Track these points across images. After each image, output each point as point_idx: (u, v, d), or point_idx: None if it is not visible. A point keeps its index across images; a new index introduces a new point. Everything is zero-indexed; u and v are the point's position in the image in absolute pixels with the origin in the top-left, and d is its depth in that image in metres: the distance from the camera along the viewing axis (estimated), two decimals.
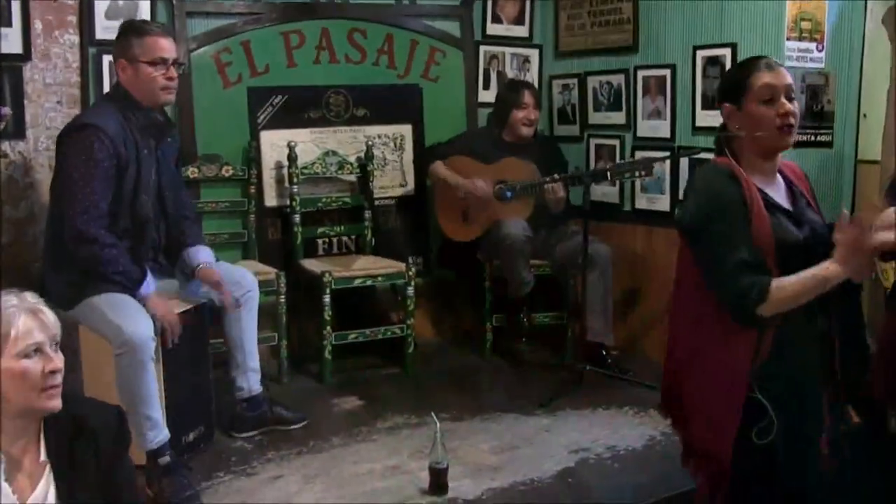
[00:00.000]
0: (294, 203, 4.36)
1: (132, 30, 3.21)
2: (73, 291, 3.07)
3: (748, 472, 2.19)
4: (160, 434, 3.04)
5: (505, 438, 3.48)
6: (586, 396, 3.87)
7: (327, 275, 4.06)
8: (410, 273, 4.23)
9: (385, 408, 3.81)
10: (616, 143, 4.59)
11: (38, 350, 1.82)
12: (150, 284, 3.14)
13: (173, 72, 3.20)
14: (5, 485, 1.82)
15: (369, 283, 4.25)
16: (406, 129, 4.73)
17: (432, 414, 3.12)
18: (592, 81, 4.71)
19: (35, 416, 1.86)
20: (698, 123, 4.14)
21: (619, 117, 4.57)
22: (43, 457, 1.88)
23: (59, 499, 1.88)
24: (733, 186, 2.15)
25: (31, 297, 1.89)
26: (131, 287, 3.08)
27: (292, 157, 4.34)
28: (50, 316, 1.88)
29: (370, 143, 4.56)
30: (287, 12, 4.38)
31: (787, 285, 2.08)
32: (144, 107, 3.20)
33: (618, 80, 4.55)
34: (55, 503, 1.87)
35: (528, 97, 4.37)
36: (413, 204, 4.77)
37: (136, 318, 3.02)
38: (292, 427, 3.57)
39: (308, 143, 4.47)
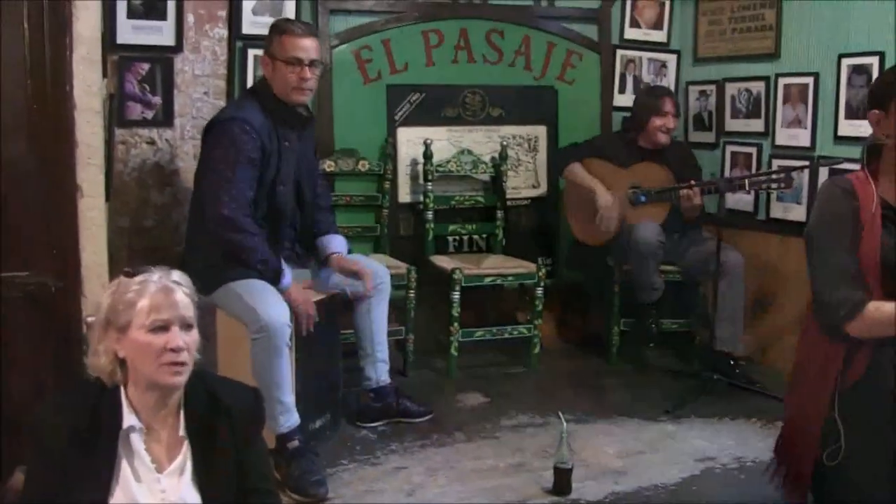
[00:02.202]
0: (427, 200, 4.42)
1: (277, 27, 3.33)
2: (213, 276, 3.18)
3: (826, 493, 2.12)
4: (291, 419, 3.12)
5: (629, 443, 3.44)
6: (712, 405, 3.80)
7: (457, 272, 4.09)
8: (540, 274, 4.23)
9: (509, 406, 3.82)
10: (753, 150, 4.48)
11: (163, 327, 1.89)
12: (287, 274, 3.23)
13: (307, 72, 3.28)
14: (145, 453, 1.91)
15: (498, 281, 4.26)
16: (540, 131, 4.74)
17: (559, 414, 3.11)
18: (731, 88, 4.61)
19: (163, 390, 1.92)
20: (841, 133, 4.00)
21: (757, 125, 4.46)
22: (181, 432, 1.95)
23: (195, 473, 1.94)
24: (847, 201, 2.12)
25: (174, 276, 1.96)
26: (271, 276, 3.17)
27: (428, 155, 4.40)
28: (182, 296, 1.93)
29: (505, 143, 4.58)
30: (427, 11, 4.45)
31: (887, 309, 2.00)
32: (285, 103, 3.30)
33: (758, 87, 4.44)
34: (191, 477, 1.94)
35: (668, 105, 4.30)
36: (544, 205, 4.77)
37: (272, 303, 3.10)
38: (417, 420, 3.62)
39: (443, 141, 4.53)
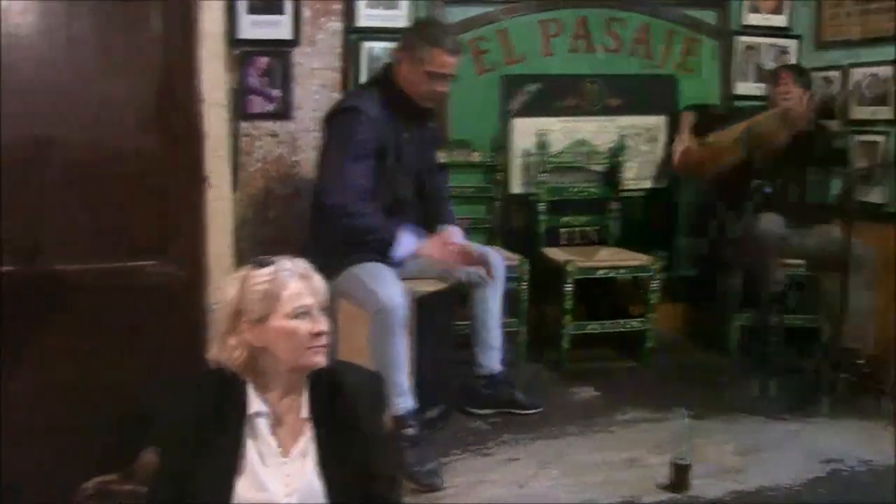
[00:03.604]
0: (541, 191, 4.39)
1: (428, 36, 3.33)
2: (334, 263, 3.22)
3: None
4: (406, 401, 3.15)
5: (750, 441, 3.36)
6: (838, 405, 3.67)
7: (570, 264, 4.06)
8: (655, 267, 4.16)
9: (622, 400, 3.78)
10: (881, 139, 4.29)
11: (306, 312, 1.93)
12: (411, 240, 3.26)
13: (445, 86, 3.32)
14: (271, 437, 1.96)
15: (612, 274, 4.21)
16: (659, 121, 4.65)
17: (683, 409, 3.06)
18: (857, 74, 4.42)
19: (301, 372, 1.97)
20: None
21: (885, 112, 4.26)
22: (305, 414, 1.98)
23: (319, 457, 1.97)
24: None
25: (301, 264, 2.00)
26: (387, 244, 3.21)
27: (543, 146, 4.37)
28: (319, 282, 1.99)
29: (622, 133, 4.52)
30: (545, 1, 4.41)
31: None
32: (409, 97, 3.33)
33: (886, 71, 4.25)
34: (315, 460, 1.98)
35: (786, 78, 4.15)
36: (662, 197, 4.68)
37: (390, 284, 3.15)
38: (528, 412, 3.61)
39: (559, 132, 4.49)
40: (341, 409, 2.00)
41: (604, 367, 4.25)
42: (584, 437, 3.42)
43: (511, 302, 4.03)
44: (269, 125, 3.92)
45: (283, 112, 3.93)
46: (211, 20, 3.49)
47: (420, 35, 3.33)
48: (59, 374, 3.48)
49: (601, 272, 4.16)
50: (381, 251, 3.22)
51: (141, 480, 2.87)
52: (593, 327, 4.21)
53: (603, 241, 4.57)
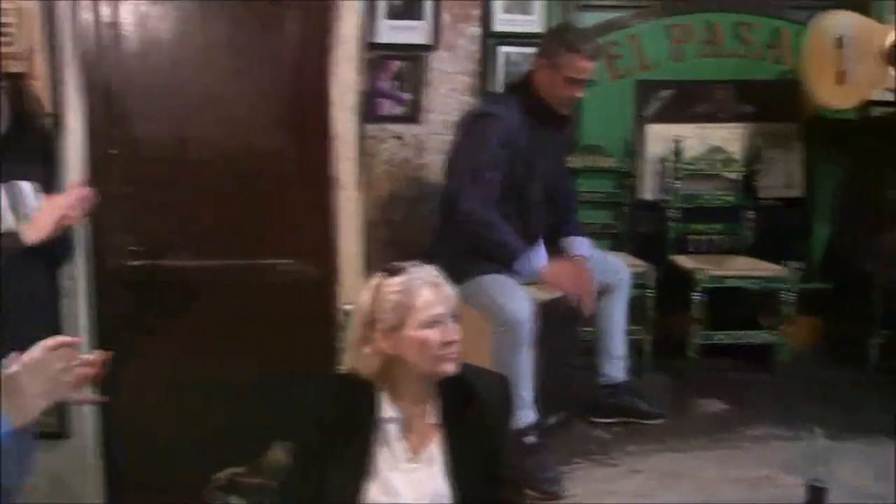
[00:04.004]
0: (673, 198, 4.31)
1: (566, 41, 3.30)
2: (460, 269, 3.22)
3: None
4: (529, 415, 3.13)
5: (892, 466, 3.19)
6: None
7: (700, 272, 3.96)
8: (790, 278, 4.01)
9: (752, 415, 3.65)
10: None
11: (438, 321, 1.94)
12: (542, 257, 3.22)
13: (582, 92, 3.30)
14: (401, 443, 1.97)
15: (744, 284, 4.09)
16: (794, 128, 4.48)
17: (814, 429, 2.93)
18: None
19: (432, 379, 1.98)
20: None
21: None
22: (435, 420, 2.00)
23: (448, 462, 1.99)
24: None
25: (432, 272, 2.01)
26: (512, 258, 3.18)
27: (677, 152, 4.29)
28: (449, 290, 2.00)
29: (755, 140, 4.38)
30: (677, 6, 4.32)
31: None
32: (547, 103, 3.31)
33: None
34: (444, 465, 1.99)
35: None
36: (798, 206, 4.52)
37: (517, 298, 3.13)
38: (651, 422, 3.54)
39: (692, 138, 4.39)
40: (470, 414, 2.02)
41: (733, 379, 4.11)
42: (711, 452, 3.33)
43: (636, 309, 3.95)
44: (395, 128, 3.95)
45: (412, 115, 3.95)
46: (348, 25, 3.55)
47: (558, 40, 3.31)
48: (190, 367, 3.60)
49: (732, 281, 4.05)
50: (505, 264, 3.21)
51: (269, 475, 2.95)
52: (722, 337, 4.09)
53: (734, 250, 4.43)
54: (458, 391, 2.01)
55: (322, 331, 3.49)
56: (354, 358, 2.02)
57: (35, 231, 2.74)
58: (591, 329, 3.58)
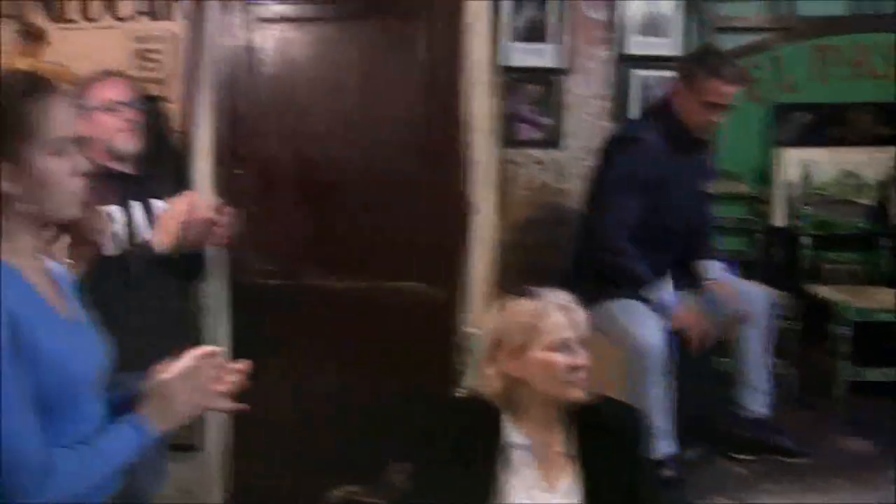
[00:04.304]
0: (806, 225, 4.16)
1: (707, 64, 3.22)
2: (593, 294, 3.18)
3: None
4: (666, 445, 3.06)
5: None
6: None
7: (845, 305, 3.80)
8: None
9: None
10: None
11: (566, 345, 1.91)
12: (675, 298, 3.17)
13: (722, 117, 3.22)
14: (531, 470, 1.92)
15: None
16: None
17: None
18: None
19: (558, 405, 1.94)
20: None
21: None
22: (566, 450, 1.96)
23: (584, 493, 1.94)
24: None
25: (563, 296, 1.99)
26: (640, 286, 3.14)
27: (807, 177, 4.15)
28: (580, 314, 1.97)
29: (893, 164, 4.19)
30: (819, 27, 4.18)
31: None
32: (687, 128, 3.24)
33: None
34: (579, 497, 1.94)
35: None
36: None
37: (649, 325, 3.07)
38: (793, 460, 3.40)
39: (826, 163, 4.23)
40: (605, 446, 1.97)
41: (882, 418, 3.87)
42: (856, 494, 3.16)
43: (778, 342, 3.81)
44: (534, 153, 3.90)
45: (552, 140, 3.88)
46: (479, 48, 3.54)
47: (700, 64, 3.22)
48: (315, 384, 3.64)
49: (884, 315, 3.83)
50: (632, 291, 3.16)
51: (385, 495, 2.94)
52: (873, 374, 3.87)
53: (871, 280, 4.23)
54: (591, 421, 1.97)
55: (446, 354, 3.48)
56: (479, 379, 2.00)
57: (162, 236, 2.81)
58: (726, 359, 3.47)
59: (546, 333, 1.92)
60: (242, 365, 1.71)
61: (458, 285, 3.55)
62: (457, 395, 2.80)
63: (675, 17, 3.93)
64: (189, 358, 1.64)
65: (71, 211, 1.56)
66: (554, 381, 1.91)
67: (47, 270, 1.63)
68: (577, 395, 1.93)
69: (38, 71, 1.70)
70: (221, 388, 1.67)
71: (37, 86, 1.53)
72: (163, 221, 2.81)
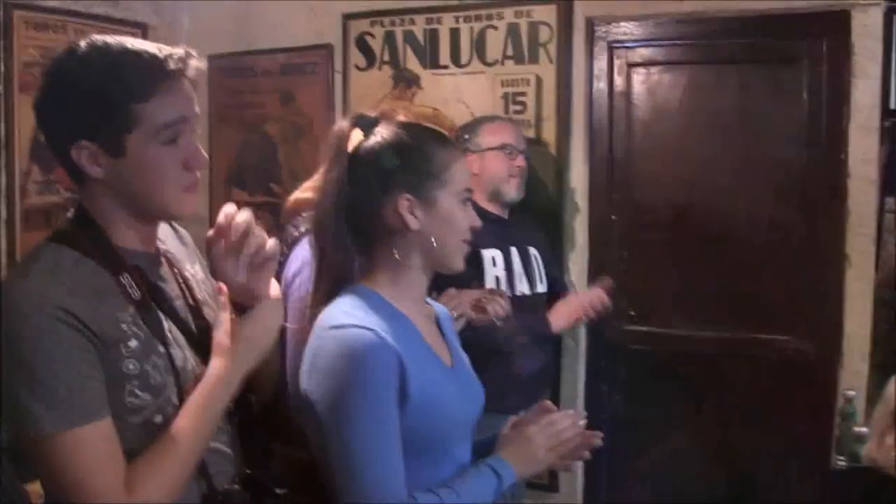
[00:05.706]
0: None
1: None
2: None
3: None
4: None
5: None
6: None
7: None
8: None
9: None
10: None
11: None
12: None
13: None
14: None
15: None
16: None
17: None
18: None
19: None
20: None
21: None
22: None
23: None
24: None
25: None
26: None
27: None
28: None
29: None
30: None
31: None
32: None
33: None
34: None
35: None
36: None
37: None
38: None
39: None
40: None
41: None
42: None
43: None
44: None
45: None
46: (865, 92, 3.32)
47: None
48: (675, 434, 3.56)
49: None
50: None
51: None
52: None
53: None
54: None
55: (818, 415, 3.27)
56: (877, 449, 1.84)
57: (558, 319, 2.91)
58: None
59: None
60: (596, 438, 1.77)
61: (832, 342, 3.33)
62: (840, 464, 2.61)
63: None
64: (555, 414, 1.74)
65: (458, 264, 1.68)
66: None
67: (434, 314, 1.75)
68: None
69: (421, 116, 1.84)
70: (577, 447, 1.75)
71: (445, 139, 1.67)
72: (566, 308, 2.93)
